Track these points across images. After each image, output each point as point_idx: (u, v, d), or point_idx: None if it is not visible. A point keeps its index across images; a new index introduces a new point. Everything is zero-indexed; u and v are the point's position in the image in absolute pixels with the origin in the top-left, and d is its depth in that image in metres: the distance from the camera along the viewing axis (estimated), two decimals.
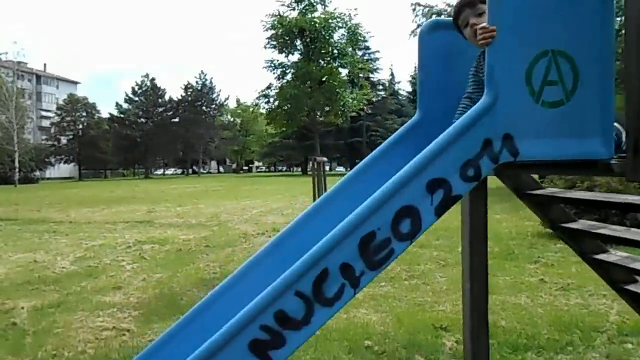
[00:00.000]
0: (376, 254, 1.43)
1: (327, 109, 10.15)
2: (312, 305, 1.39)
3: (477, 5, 1.80)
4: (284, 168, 76.70)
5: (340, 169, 70.95)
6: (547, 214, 2.41)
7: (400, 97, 61.30)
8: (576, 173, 1.72)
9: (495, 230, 11.90)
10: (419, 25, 24.81)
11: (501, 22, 1.49)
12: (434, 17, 25.70)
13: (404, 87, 68.43)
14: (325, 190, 8.40)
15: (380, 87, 52.18)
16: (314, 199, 8.12)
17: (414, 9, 24.74)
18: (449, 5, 25.21)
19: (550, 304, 5.89)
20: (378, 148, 1.97)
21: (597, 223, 2.42)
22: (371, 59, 33.96)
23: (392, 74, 59.41)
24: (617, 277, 2.50)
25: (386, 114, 51.25)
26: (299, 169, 67.56)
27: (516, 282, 6.85)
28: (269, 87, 11.53)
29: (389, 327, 5.04)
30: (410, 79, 66.98)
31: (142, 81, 62.62)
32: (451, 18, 1.96)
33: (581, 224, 2.37)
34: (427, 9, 25.15)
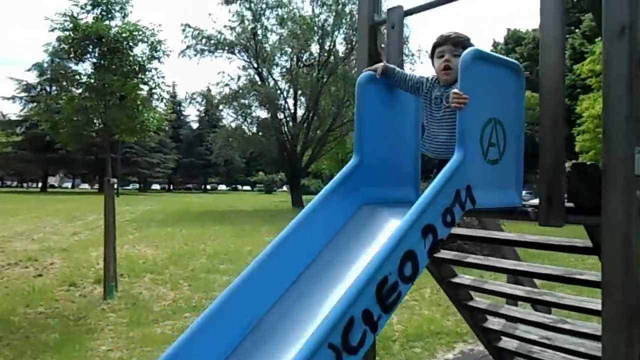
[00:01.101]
0: (388, 297, 1.49)
1: (122, 126, 9.07)
2: (341, 356, 1.37)
3: (458, 48, 2.03)
4: (15, 183, 65.34)
5: (85, 186, 64.20)
6: None
7: None
8: (501, 217, 2.12)
9: None
10: (188, 46, 24.69)
11: (470, 91, 1.76)
12: (203, 40, 26.03)
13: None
14: (114, 213, 7.62)
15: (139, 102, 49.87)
16: (105, 223, 7.28)
17: (183, 30, 24.55)
18: (219, 32, 25.88)
19: None
20: (324, 189, 2.02)
21: (460, 253, 2.92)
22: None
23: None
24: (462, 296, 3.04)
25: None
26: (36, 185, 58.44)
27: None
28: (57, 97, 9.48)
29: None
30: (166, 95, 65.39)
31: None
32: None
33: (445, 254, 2.83)
34: (197, 32, 25.27)
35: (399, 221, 2.10)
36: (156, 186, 66.70)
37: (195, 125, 63.39)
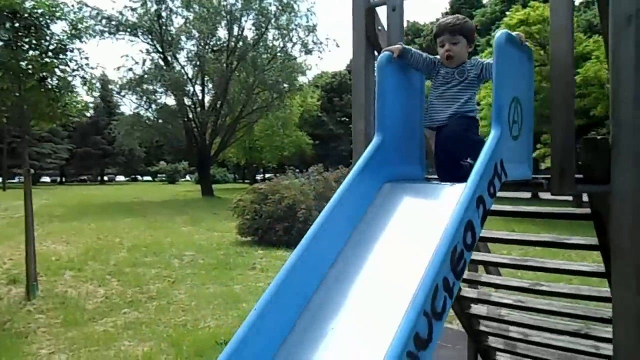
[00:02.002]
0: (458, 265, 1.57)
1: (41, 111, 7.91)
2: (431, 322, 1.43)
3: (455, 35, 2.17)
4: None
5: None
6: None
7: None
8: (518, 189, 2.26)
9: (194, 242, 12.26)
10: (87, 27, 22.85)
11: (504, 70, 1.88)
12: (104, 21, 24.26)
13: None
14: (32, 207, 6.97)
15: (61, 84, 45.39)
16: (26, 218, 6.63)
17: (80, 9, 22.63)
18: (121, 13, 24.25)
19: None
20: (354, 169, 2.05)
21: None
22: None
23: None
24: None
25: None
26: None
27: (251, 289, 7.35)
28: None
29: (170, 354, 4.71)
30: None
31: None
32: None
33: None
34: (95, 12, 23.46)
35: (416, 199, 2.20)
36: (46, 179, 61.45)
37: (89, 113, 59.00)
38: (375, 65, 2.19)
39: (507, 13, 21.64)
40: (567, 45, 2.07)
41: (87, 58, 6.43)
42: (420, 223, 2.02)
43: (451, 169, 2.15)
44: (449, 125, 2.15)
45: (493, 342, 3.78)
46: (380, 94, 2.19)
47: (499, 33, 1.90)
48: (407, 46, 2.26)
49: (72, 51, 6.29)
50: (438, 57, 2.30)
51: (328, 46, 31.66)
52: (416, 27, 45.71)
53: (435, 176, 2.45)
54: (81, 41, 6.49)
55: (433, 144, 2.51)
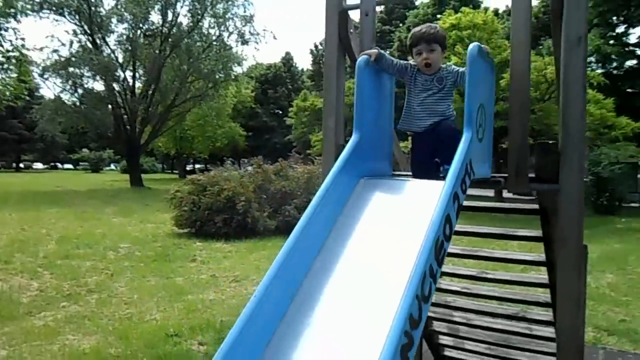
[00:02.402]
0: (439, 254, 1.75)
1: None
2: (421, 304, 1.60)
3: (431, 43, 2.34)
4: None
5: None
6: None
7: None
8: (479, 187, 2.48)
9: (128, 234, 11.91)
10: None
11: (476, 79, 2.08)
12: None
13: None
14: None
15: None
16: None
17: None
18: None
19: (237, 295, 6.65)
20: (336, 165, 2.17)
21: None
22: None
23: None
24: None
25: None
26: None
27: (194, 281, 7.31)
28: None
29: (119, 347, 4.63)
30: None
31: None
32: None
33: None
34: None
35: (390, 194, 2.37)
36: None
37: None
38: (356, 67, 2.33)
39: (439, 16, 22.56)
40: (525, 58, 2.32)
41: (23, 39, 6.03)
42: (396, 216, 2.19)
43: (429, 167, 2.35)
44: (442, 127, 2.34)
45: (437, 326, 4.07)
46: (359, 95, 2.33)
47: (471, 45, 2.10)
48: (382, 51, 2.42)
49: (6, 30, 5.89)
50: (411, 62, 2.48)
51: (265, 37, 31.37)
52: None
53: (400, 172, 2.65)
54: (16, 20, 6.08)
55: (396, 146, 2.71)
